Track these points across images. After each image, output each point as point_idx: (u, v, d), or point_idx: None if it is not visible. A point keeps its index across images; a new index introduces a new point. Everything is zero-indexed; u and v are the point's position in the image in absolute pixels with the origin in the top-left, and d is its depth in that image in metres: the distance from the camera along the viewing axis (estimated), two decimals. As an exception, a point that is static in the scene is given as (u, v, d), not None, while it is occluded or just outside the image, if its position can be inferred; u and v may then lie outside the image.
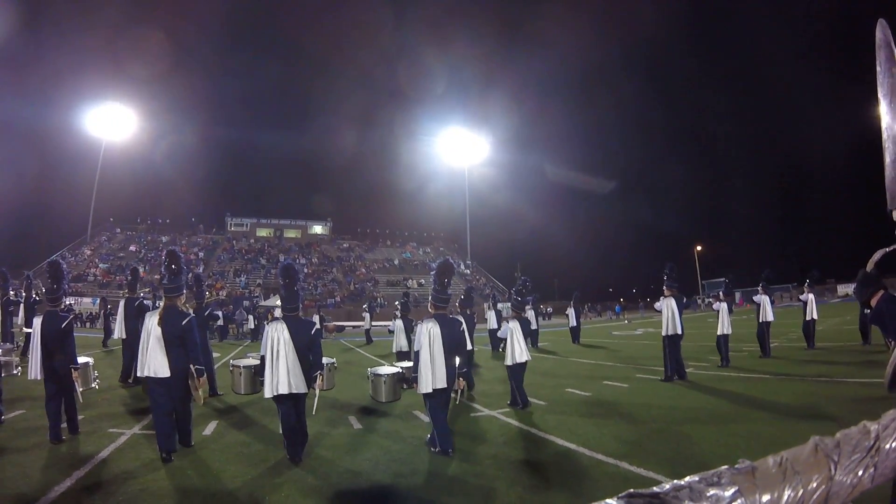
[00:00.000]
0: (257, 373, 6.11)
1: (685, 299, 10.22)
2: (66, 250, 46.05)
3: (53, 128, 52.17)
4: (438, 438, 5.36)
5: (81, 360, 6.28)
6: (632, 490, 0.74)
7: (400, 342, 11.34)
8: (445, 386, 5.29)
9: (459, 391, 5.70)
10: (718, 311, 10.93)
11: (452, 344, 5.44)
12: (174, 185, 63.56)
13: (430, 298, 5.78)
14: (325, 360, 5.79)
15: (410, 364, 6.82)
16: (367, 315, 24.04)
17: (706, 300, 47.07)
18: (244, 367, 6.64)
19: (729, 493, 0.73)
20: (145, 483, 4.49)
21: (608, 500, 0.72)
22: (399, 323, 11.52)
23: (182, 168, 66.72)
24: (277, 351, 5.03)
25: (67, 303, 6.47)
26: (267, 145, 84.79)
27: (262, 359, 5.18)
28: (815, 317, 12.43)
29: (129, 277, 10.74)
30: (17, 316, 13.25)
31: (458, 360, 5.54)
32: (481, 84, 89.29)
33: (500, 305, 22.34)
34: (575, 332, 20.25)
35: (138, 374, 5.33)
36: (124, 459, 5.15)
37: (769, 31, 78.97)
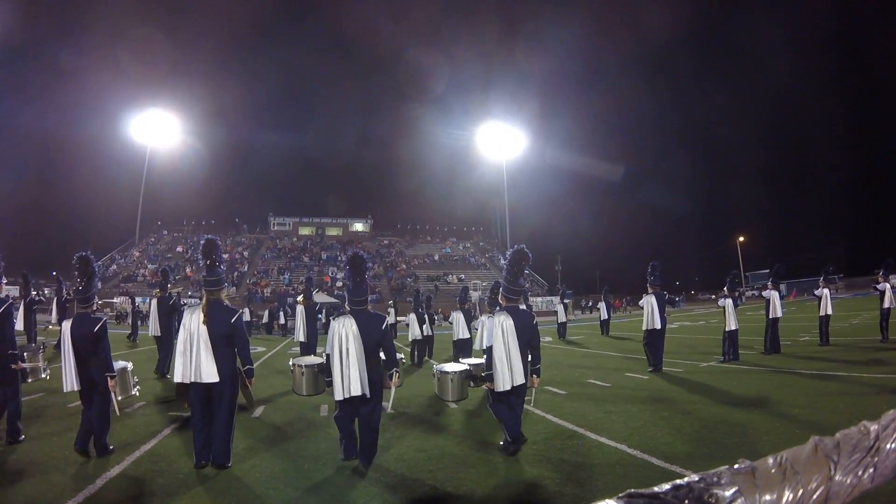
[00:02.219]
0: (321, 372, 5.47)
1: (667, 296, 10.66)
2: (116, 252, 47.43)
3: (101, 136, 53.76)
4: (507, 431, 4.82)
5: (119, 364, 5.53)
6: (631, 490, 0.72)
7: (414, 332, 12.80)
8: (524, 381, 4.73)
9: (534, 389, 5.11)
10: (724, 308, 10.63)
11: (525, 337, 4.85)
12: (218, 188, 64.73)
13: (500, 290, 5.25)
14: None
15: (467, 360, 6.66)
16: (391, 310, 24.35)
17: (748, 292, 45.04)
18: (306, 366, 5.96)
19: (729, 493, 0.71)
20: (184, 499, 3.93)
21: (608, 501, 0.71)
22: (412, 316, 12.99)
23: (225, 171, 68.07)
24: (347, 349, 4.42)
25: (98, 303, 5.57)
26: (308, 147, 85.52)
27: (328, 357, 4.60)
28: (830, 312, 11.90)
29: (160, 278, 10.90)
30: (51, 314, 13.61)
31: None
32: (518, 77, 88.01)
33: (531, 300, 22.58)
34: (605, 325, 20.36)
35: (180, 380, 4.57)
36: (161, 469, 4.56)
37: (798, 9, 75.06)
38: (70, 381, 4.85)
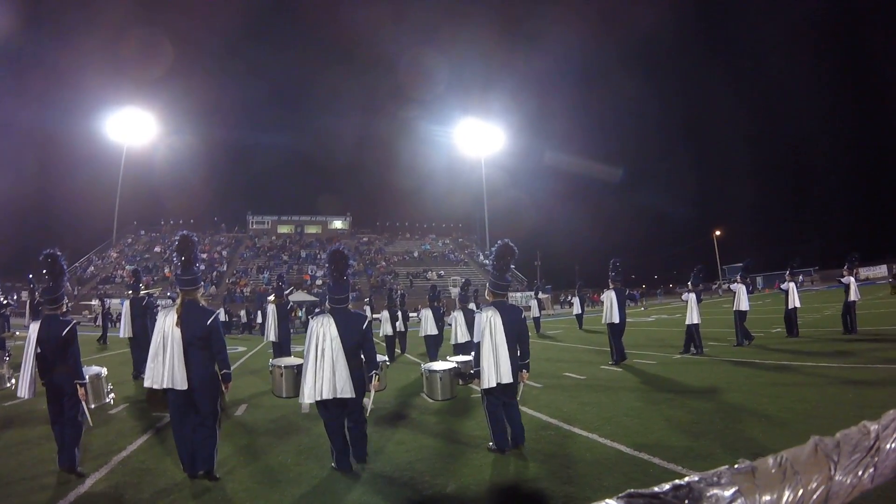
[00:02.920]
0: (300, 373, 5.53)
1: (628, 291, 11.39)
2: (93, 254, 46.22)
3: (75, 134, 51.95)
4: (494, 436, 4.70)
5: (93, 370, 5.19)
6: (631, 490, 0.70)
7: (386, 329, 13.47)
8: (511, 380, 4.55)
9: (522, 385, 4.91)
10: (687, 301, 10.71)
11: (514, 333, 4.66)
12: (196, 187, 62.69)
13: (487, 285, 5.01)
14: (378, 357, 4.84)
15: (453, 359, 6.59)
16: (367, 308, 24.27)
17: (724, 285, 46.17)
18: (286, 366, 5.70)
19: (729, 493, 0.69)
20: (170, 499, 3.81)
21: (608, 501, 0.69)
22: (385, 313, 13.66)
23: (203, 169, 65.91)
24: (323, 349, 4.20)
25: (69, 305, 5.17)
26: (286, 144, 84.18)
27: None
28: (798, 305, 12.09)
29: (133, 279, 10.73)
30: (26, 317, 13.26)
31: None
32: (496, 74, 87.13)
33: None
34: (580, 319, 20.52)
35: (153, 386, 4.18)
36: (140, 480, 4.27)
37: (779, 13, 75.74)
38: (25, 386, 4.49)
